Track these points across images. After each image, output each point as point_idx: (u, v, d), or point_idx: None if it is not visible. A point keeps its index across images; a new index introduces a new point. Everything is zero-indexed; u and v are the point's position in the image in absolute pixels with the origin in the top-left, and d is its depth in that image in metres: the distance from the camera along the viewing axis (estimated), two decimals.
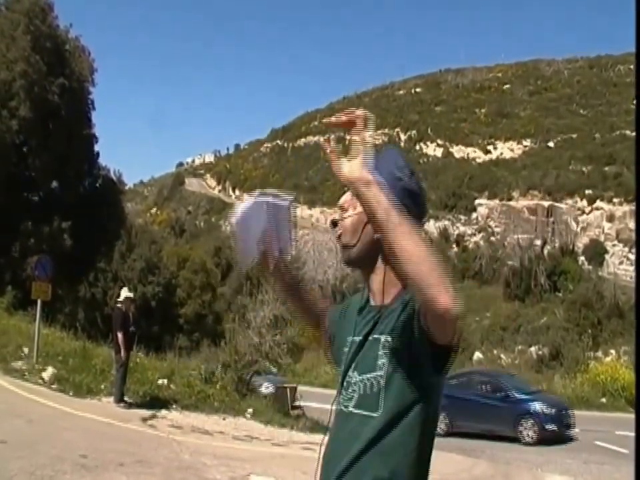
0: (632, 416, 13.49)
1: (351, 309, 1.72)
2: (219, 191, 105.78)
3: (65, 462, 6.36)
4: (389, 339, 1.48)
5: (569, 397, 17.86)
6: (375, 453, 1.45)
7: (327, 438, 1.61)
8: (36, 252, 17.60)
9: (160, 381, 11.17)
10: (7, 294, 17.00)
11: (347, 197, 1.63)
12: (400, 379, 1.45)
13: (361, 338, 1.58)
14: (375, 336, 1.53)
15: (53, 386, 10.34)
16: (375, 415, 1.46)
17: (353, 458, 1.47)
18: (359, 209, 1.51)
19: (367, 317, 1.60)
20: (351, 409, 1.53)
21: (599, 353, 27.97)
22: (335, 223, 1.64)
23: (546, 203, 67.36)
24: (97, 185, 24.46)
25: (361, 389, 1.51)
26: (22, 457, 6.20)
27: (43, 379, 10.50)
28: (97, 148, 24.52)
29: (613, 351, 28.35)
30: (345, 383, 1.58)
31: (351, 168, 1.35)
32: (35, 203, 22.41)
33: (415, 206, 1.51)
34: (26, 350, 11.68)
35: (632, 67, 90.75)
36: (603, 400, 18.08)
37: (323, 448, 1.60)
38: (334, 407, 1.61)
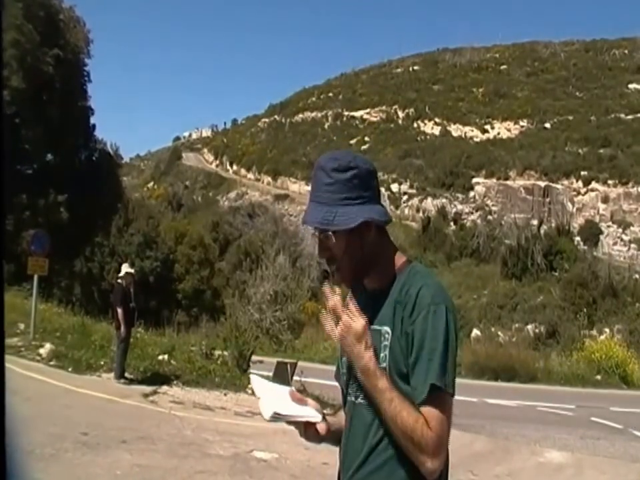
0: (625, 392, 13.73)
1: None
2: (217, 166, 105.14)
3: (65, 440, 6.28)
4: (389, 330, 1.52)
5: (564, 374, 18.02)
6: (392, 440, 1.48)
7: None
8: (31, 225, 17.39)
9: (160, 357, 11.10)
10: None
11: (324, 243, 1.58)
12: (398, 375, 1.50)
13: None
14: (376, 327, 1.55)
15: (51, 362, 10.20)
16: None
17: (370, 447, 1.51)
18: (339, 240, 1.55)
19: (365, 305, 1.60)
20: (360, 400, 1.56)
21: (594, 331, 28.17)
22: (326, 273, 1.66)
23: (542, 183, 67.36)
24: (93, 157, 24.23)
25: None
26: (20, 436, 6.09)
27: (40, 355, 10.36)
28: (93, 120, 24.28)
29: (607, 329, 28.57)
30: (352, 374, 1.60)
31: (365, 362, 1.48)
32: (28, 175, 22.11)
33: (373, 188, 1.59)
34: (22, 326, 11.50)
35: (626, 51, 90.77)
36: (598, 377, 18.22)
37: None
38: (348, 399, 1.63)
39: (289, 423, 1.54)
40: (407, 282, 1.54)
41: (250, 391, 10.60)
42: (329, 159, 1.59)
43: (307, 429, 1.56)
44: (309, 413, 1.55)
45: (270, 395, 1.53)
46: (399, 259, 1.62)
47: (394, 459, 1.46)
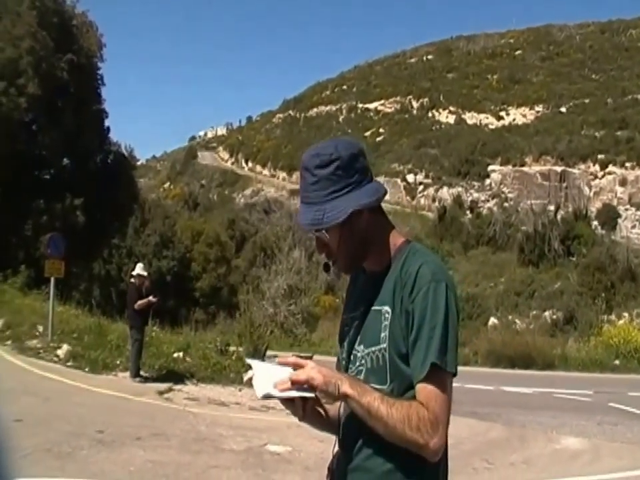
0: None
1: (352, 285, 1.74)
2: (232, 164, 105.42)
3: (81, 438, 6.42)
4: (389, 310, 1.49)
5: (582, 360, 17.84)
6: None
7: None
8: (49, 230, 17.59)
9: (175, 354, 11.23)
10: (20, 273, 16.78)
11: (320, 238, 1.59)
12: (398, 356, 1.47)
13: (362, 310, 1.58)
14: (376, 307, 1.53)
15: (68, 363, 10.40)
16: (384, 387, 1.48)
17: (367, 433, 1.47)
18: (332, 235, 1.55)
19: (365, 287, 1.61)
20: None
21: (612, 316, 27.75)
22: (327, 266, 1.65)
23: (559, 168, 66.46)
24: (109, 160, 24.43)
25: (368, 362, 1.53)
26: (38, 434, 6.25)
27: (58, 356, 10.58)
28: (107, 123, 24.50)
29: (625, 314, 28.19)
30: (352, 357, 1.59)
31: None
32: (46, 180, 22.43)
33: (360, 170, 1.55)
34: (40, 328, 11.74)
35: None
36: (616, 362, 17.99)
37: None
38: None
39: (284, 402, 1.50)
40: (407, 261, 1.51)
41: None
42: (311, 156, 1.59)
43: (305, 409, 1.49)
44: (302, 390, 1.47)
45: (265, 375, 1.49)
46: (398, 239, 1.59)
47: (391, 445, 1.45)
